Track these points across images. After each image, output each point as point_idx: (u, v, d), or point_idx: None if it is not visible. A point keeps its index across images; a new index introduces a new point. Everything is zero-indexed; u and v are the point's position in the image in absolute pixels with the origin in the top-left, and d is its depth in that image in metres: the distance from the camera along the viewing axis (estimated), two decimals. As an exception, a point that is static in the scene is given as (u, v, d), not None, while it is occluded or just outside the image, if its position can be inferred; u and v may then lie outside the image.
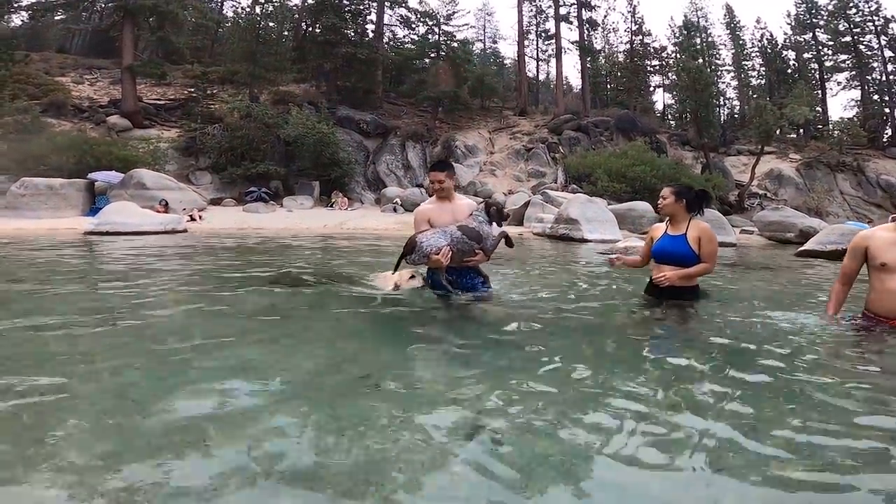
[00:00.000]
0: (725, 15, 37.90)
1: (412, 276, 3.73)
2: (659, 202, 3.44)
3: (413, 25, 29.99)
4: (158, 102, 22.49)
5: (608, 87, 38.42)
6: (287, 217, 14.95)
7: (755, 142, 23.37)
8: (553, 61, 34.27)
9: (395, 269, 3.68)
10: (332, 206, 18.20)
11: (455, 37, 29.38)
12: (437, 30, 26.66)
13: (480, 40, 41.17)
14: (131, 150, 16.53)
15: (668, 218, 3.47)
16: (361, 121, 23.14)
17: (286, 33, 26.51)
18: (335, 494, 1.16)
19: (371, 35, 27.99)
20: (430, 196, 3.99)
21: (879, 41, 32.37)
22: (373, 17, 28.57)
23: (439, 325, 2.98)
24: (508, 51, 58.27)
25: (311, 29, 27.28)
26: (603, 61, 38.39)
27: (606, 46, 39.94)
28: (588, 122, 27.04)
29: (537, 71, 39.91)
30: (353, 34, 25.61)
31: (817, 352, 2.55)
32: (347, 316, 3.18)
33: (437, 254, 3.27)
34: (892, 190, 22.98)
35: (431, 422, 1.53)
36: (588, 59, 34.33)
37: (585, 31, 34.08)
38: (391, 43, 31.04)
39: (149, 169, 15.18)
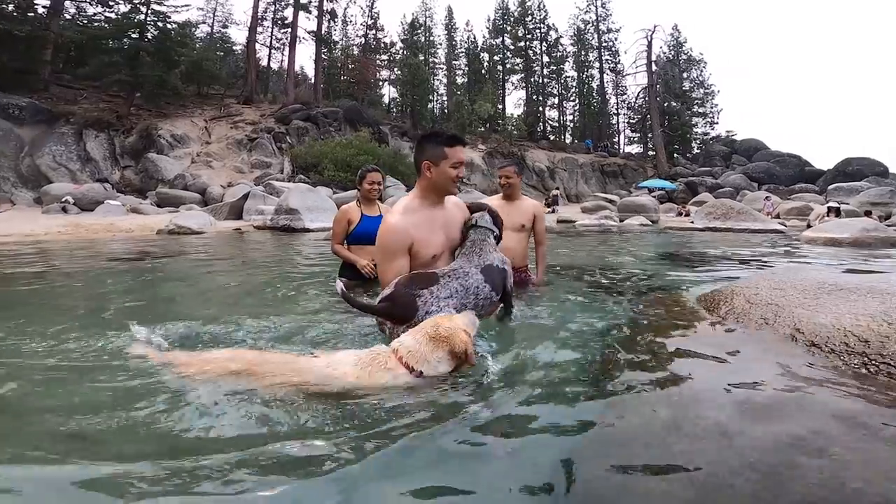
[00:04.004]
0: (447, 16, 41.24)
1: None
2: (374, 188, 3.34)
3: (111, 3, 23.52)
4: None
5: (341, 78, 38.03)
6: None
7: (454, 133, 26.15)
8: (287, 50, 31.94)
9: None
10: (-47, 213, 12.72)
11: (169, 17, 24.58)
12: (144, 9, 21.38)
13: (206, 23, 35.63)
14: None
15: (357, 200, 3.42)
16: (11, 105, 16.96)
17: None
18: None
19: (44, 11, 21.00)
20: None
21: (542, 47, 39.97)
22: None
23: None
24: (240, 36, 52.43)
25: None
26: (339, 53, 37.77)
27: (344, 38, 39.43)
28: (318, 113, 26.07)
29: (269, 59, 36.72)
30: (11, 8, 19.04)
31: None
32: None
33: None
34: (543, 175, 29.02)
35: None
36: (324, 49, 33.17)
37: (325, 21, 32.74)
38: (76, 19, 23.81)
39: None
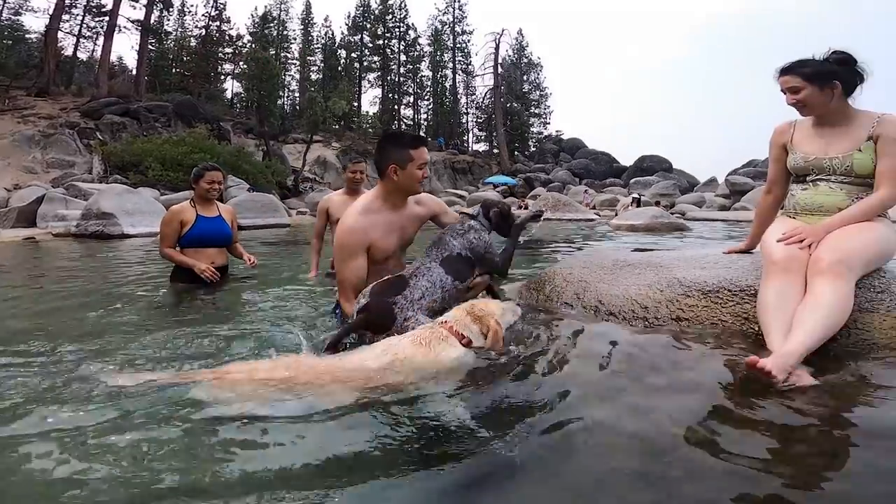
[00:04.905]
0: (304, 11, 38.60)
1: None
2: (213, 187, 3.14)
3: None
4: None
5: (174, 71, 33.36)
6: None
7: (307, 131, 24.72)
8: (102, 39, 26.71)
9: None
10: None
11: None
12: None
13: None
14: None
15: (191, 200, 3.17)
16: None
17: None
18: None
19: None
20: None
21: (400, 46, 39.90)
22: None
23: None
24: (39, 24, 42.16)
25: None
26: (172, 44, 33.06)
27: (180, 29, 34.56)
28: (140, 107, 22.49)
29: (76, 48, 30.12)
30: None
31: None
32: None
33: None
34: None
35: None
36: (153, 40, 28.61)
37: (155, 10, 28.10)
38: None
39: None
